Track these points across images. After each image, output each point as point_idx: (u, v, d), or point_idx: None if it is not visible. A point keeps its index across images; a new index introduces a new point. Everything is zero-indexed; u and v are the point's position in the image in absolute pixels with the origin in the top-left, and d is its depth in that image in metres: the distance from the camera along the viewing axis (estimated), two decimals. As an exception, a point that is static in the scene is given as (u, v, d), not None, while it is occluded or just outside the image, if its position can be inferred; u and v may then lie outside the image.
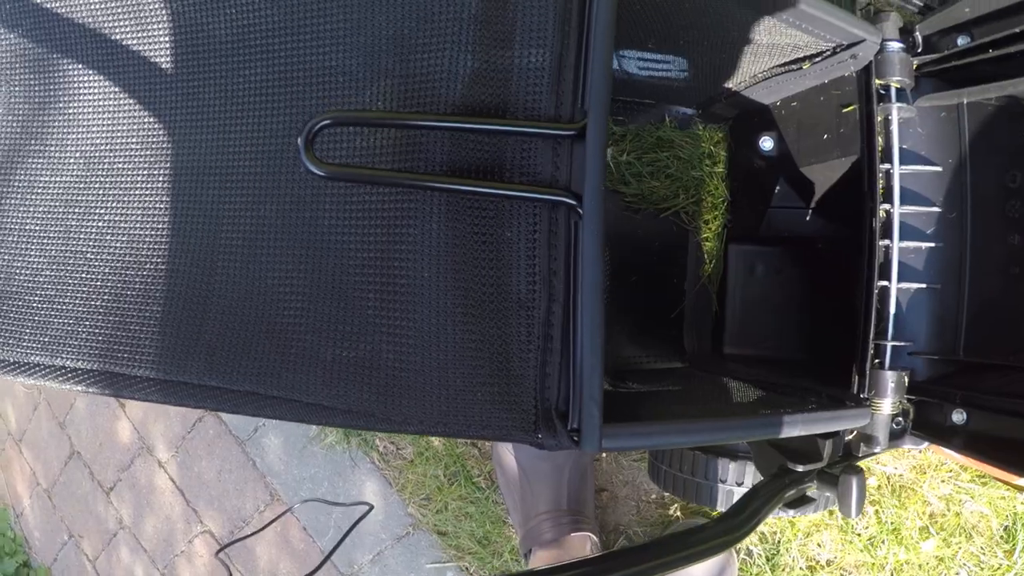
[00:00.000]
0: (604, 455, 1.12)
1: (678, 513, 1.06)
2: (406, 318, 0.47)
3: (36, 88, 0.62)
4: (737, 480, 0.84)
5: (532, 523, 1.04)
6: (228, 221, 0.54)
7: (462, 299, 0.47)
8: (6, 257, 0.62)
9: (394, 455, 1.23)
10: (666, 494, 1.08)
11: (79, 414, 1.64)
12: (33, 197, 0.61)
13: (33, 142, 0.62)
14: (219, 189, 0.54)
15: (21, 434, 1.80)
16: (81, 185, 0.60)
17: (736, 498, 0.84)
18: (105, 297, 0.58)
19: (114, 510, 1.62)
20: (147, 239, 0.57)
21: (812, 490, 0.65)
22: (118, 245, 0.57)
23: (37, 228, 0.61)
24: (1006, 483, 0.73)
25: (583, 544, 1.02)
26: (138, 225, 0.57)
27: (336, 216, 0.49)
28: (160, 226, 0.56)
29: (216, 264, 0.54)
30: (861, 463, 0.66)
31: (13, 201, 0.62)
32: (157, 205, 0.56)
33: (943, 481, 0.90)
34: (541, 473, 1.05)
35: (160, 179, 0.56)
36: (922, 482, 0.91)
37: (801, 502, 0.66)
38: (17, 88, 0.63)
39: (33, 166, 0.61)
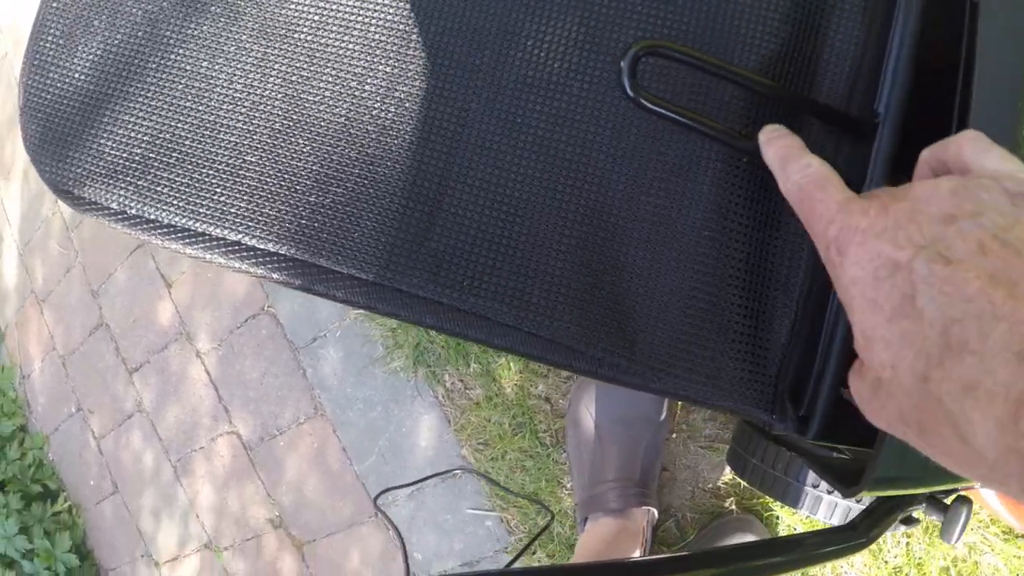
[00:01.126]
0: (674, 435, 1.11)
1: (733, 506, 1.06)
2: (667, 254, 0.46)
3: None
4: (828, 488, 0.84)
5: (599, 488, 1.03)
6: (481, 119, 0.51)
7: (723, 250, 0.46)
8: (197, 102, 0.57)
9: (460, 394, 1.22)
10: (722, 486, 1.09)
11: (117, 285, 1.60)
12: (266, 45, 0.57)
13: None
14: (477, 79, 0.51)
15: (47, 294, 1.76)
16: (305, 29, 0.55)
17: (823, 504, 0.84)
18: (316, 173, 0.54)
19: (135, 391, 1.59)
20: (378, 115, 0.53)
21: (919, 512, 0.66)
22: (343, 114, 0.54)
23: (243, 74, 0.56)
24: None
25: (644, 518, 1.02)
26: (372, 97, 0.53)
27: (613, 140, 0.47)
28: (394, 105, 0.53)
29: (455, 161, 0.51)
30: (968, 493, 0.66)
31: (215, 38, 0.57)
32: (399, 77, 0.53)
33: (972, 529, 0.91)
34: (618, 441, 1.04)
35: (407, 50, 0.53)
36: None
37: (909, 521, 0.67)
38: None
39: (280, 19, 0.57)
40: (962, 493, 0.61)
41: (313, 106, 0.54)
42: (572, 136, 0.48)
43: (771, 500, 1.04)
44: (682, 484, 1.12)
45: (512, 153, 0.50)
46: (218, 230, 0.55)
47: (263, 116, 0.55)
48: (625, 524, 1.01)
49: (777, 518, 1.03)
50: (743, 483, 1.06)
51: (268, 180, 0.55)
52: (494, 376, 1.18)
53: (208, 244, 0.56)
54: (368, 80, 0.53)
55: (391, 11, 0.53)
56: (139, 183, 0.57)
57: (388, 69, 0.53)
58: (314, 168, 0.54)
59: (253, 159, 0.55)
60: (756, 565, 0.48)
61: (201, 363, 1.49)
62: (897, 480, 0.38)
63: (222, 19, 0.57)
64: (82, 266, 1.67)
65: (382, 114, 0.53)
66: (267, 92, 0.55)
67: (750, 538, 1.01)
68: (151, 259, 1.55)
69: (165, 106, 0.57)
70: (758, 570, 0.48)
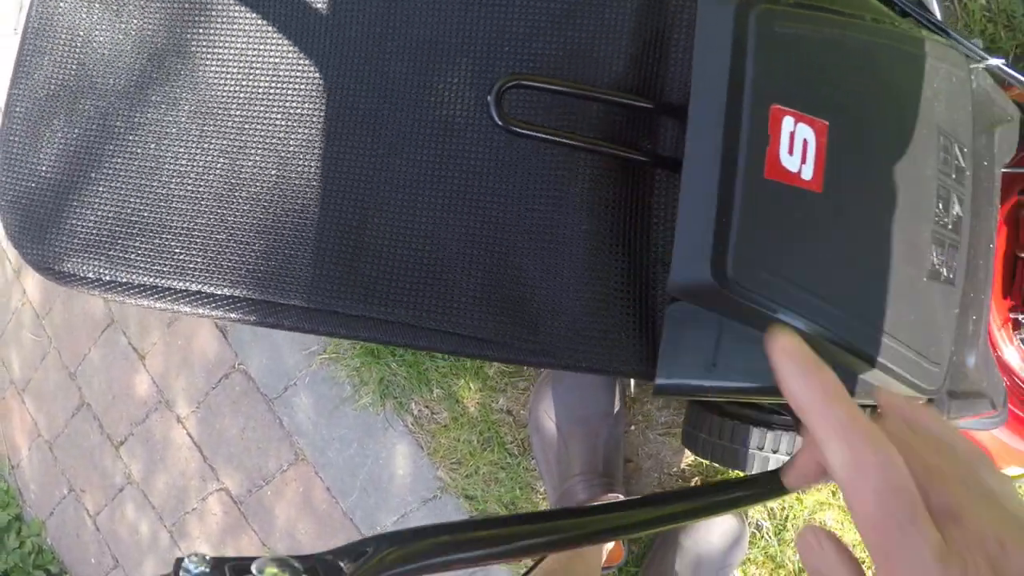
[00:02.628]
0: (633, 427, 1.21)
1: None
2: (555, 258, 0.57)
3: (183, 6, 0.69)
4: (773, 448, 0.94)
5: (567, 484, 1.13)
6: (387, 164, 0.62)
7: (601, 240, 0.57)
8: (150, 180, 0.68)
9: (428, 419, 1.31)
10: (685, 468, 1.18)
11: (92, 365, 1.68)
12: (176, 116, 0.67)
13: (184, 60, 0.68)
14: (382, 130, 0.62)
15: (25, 383, 1.83)
16: (233, 107, 0.66)
17: (771, 463, 0.94)
18: (256, 224, 0.65)
19: (123, 465, 1.66)
20: (303, 171, 0.64)
21: None
22: (273, 174, 0.64)
23: (186, 151, 0.67)
24: None
25: None
26: (296, 156, 0.64)
27: (497, 165, 0.59)
28: (316, 160, 0.64)
29: (370, 202, 0.62)
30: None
31: (158, 123, 0.68)
32: (316, 137, 0.64)
33: None
34: (579, 437, 1.14)
35: (321, 113, 0.64)
36: None
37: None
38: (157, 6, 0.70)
39: (181, 85, 0.68)
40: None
41: (248, 169, 0.65)
42: (463, 167, 0.59)
43: (730, 472, 1.14)
44: (648, 472, 1.22)
45: (415, 188, 0.61)
46: (180, 283, 0.65)
47: (207, 183, 0.66)
48: (592, 514, 1.10)
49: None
50: (704, 462, 1.17)
51: (217, 236, 0.65)
52: (457, 398, 1.28)
53: (174, 297, 0.67)
54: (290, 142, 0.64)
55: (304, 82, 0.64)
56: (109, 253, 0.67)
57: (305, 131, 0.64)
58: (255, 221, 0.64)
59: (202, 220, 0.66)
60: (688, 508, 0.58)
61: (183, 427, 1.57)
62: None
63: (163, 106, 0.68)
64: (57, 351, 1.75)
65: (305, 169, 0.64)
66: (208, 163, 0.66)
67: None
68: (122, 335, 1.64)
69: (123, 186, 0.68)
70: (693, 512, 0.57)
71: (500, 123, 0.51)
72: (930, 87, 0.54)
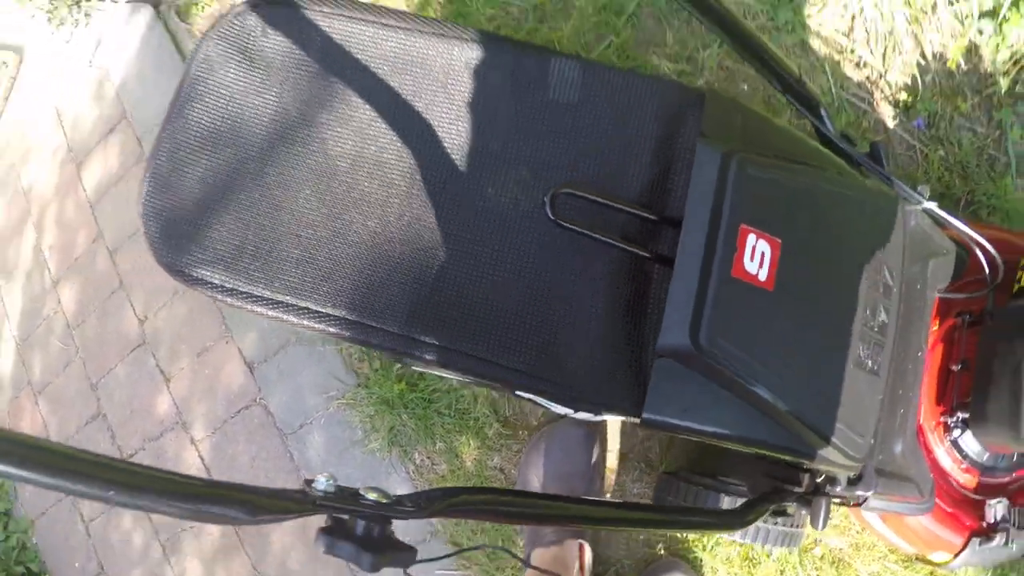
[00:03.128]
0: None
1: (662, 551, 1.35)
2: (579, 317, 0.79)
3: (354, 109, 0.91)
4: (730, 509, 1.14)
5: (540, 528, 1.31)
6: (462, 235, 0.84)
7: (612, 304, 0.80)
8: (271, 216, 0.88)
9: (428, 469, 1.49)
10: (652, 536, 1.37)
11: (117, 379, 1.83)
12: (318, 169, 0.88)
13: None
14: (459, 209, 0.85)
15: (43, 386, 1.96)
16: (343, 171, 0.88)
17: None
18: (357, 262, 0.86)
19: (128, 475, 1.78)
20: (398, 229, 0.86)
21: (791, 508, 0.97)
22: (372, 227, 0.86)
23: (304, 200, 0.88)
24: (921, 559, 1.06)
25: (575, 549, 1.29)
26: (393, 217, 0.86)
27: (541, 247, 0.81)
28: (409, 223, 0.86)
29: (448, 260, 0.84)
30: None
31: (284, 174, 0.89)
32: (411, 206, 0.86)
33: (874, 560, 1.22)
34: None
35: (418, 188, 0.86)
36: (857, 557, 1.22)
37: (782, 513, 0.98)
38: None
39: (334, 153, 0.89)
40: (819, 485, 0.90)
41: (353, 222, 0.86)
42: (517, 243, 0.83)
43: (692, 542, 1.33)
44: (618, 538, 1.40)
45: (481, 254, 0.83)
46: (292, 299, 0.85)
47: (316, 226, 0.86)
48: (559, 552, 1.28)
49: (700, 560, 1.32)
50: (668, 532, 1.35)
51: (324, 266, 0.86)
52: (457, 452, 1.46)
53: (284, 309, 0.86)
54: (388, 207, 0.86)
55: (403, 162, 0.87)
56: (234, 267, 0.87)
57: (400, 201, 0.86)
58: (357, 260, 0.85)
59: (312, 253, 0.86)
60: (653, 518, 0.78)
61: (195, 449, 1.71)
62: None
63: (289, 161, 0.90)
64: (82, 361, 1.89)
65: (402, 229, 0.86)
66: (318, 211, 0.87)
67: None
68: (151, 356, 1.79)
69: (250, 217, 0.88)
70: (659, 523, 0.77)
71: (552, 218, 0.74)
72: (867, 221, 0.78)
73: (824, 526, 0.86)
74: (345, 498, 0.56)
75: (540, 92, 0.85)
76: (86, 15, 2.12)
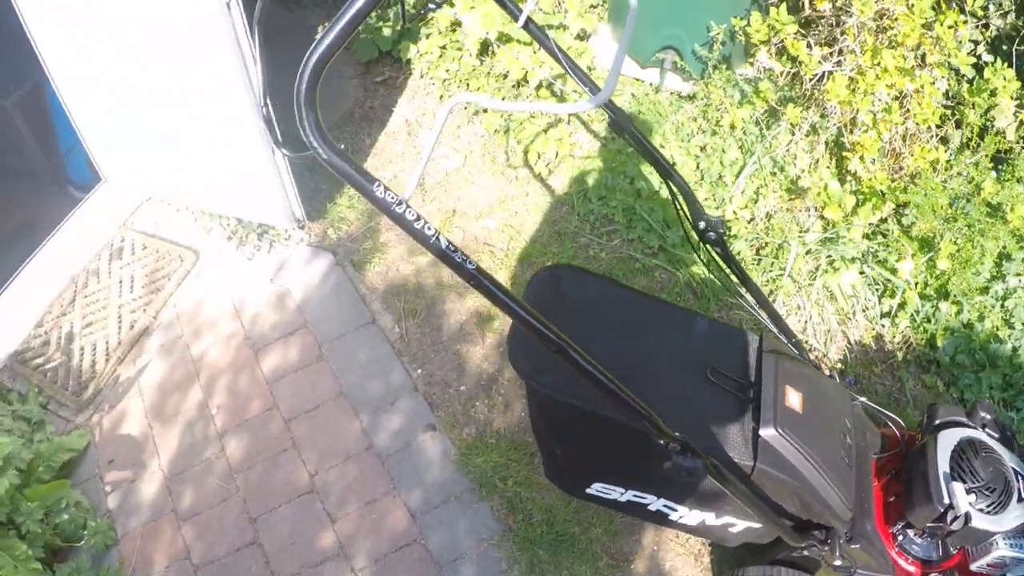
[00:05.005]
0: None
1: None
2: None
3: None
4: None
5: None
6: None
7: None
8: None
9: (555, 594, 2.26)
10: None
11: (280, 515, 2.38)
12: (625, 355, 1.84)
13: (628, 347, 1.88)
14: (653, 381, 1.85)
15: (191, 515, 2.40)
16: (623, 346, 1.86)
17: None
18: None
19: (280, 598, 2.27)
20: (637, 382, 1.81)
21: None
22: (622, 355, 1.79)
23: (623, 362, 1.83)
24: None
25: None
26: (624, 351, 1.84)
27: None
28: (640, 380, 1.77)
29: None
30: None
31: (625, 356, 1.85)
32: (635, 355, 1.85)
33: None
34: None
35: (645, 368, 1.84)
36: None
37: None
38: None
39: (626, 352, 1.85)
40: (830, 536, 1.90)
41: (627, 377, 1.78)
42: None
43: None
44: None
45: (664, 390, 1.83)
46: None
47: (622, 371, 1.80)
48: None
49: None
50: None
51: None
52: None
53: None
54: (636, 375, 1.79)
55: (640, 361, 1.87)
56: (554, 376, 1.75)
57: (637, 371, 1.85)
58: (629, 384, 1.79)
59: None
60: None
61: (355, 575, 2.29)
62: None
63: (608, 352, 1.84)
64: (243, 499, 2.41)
65: (638, 382, 1.79)
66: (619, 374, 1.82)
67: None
68: (319, 502, 2.39)
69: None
70: None
71: (713, 380, 1.81)
72: (838, 395, 1.92)
73: (841, 553, 1.84)
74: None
75: (696, 327, 1.93)
76: (270, 244, 2.92)
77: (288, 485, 2.43)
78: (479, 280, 1.15)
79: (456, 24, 3.52)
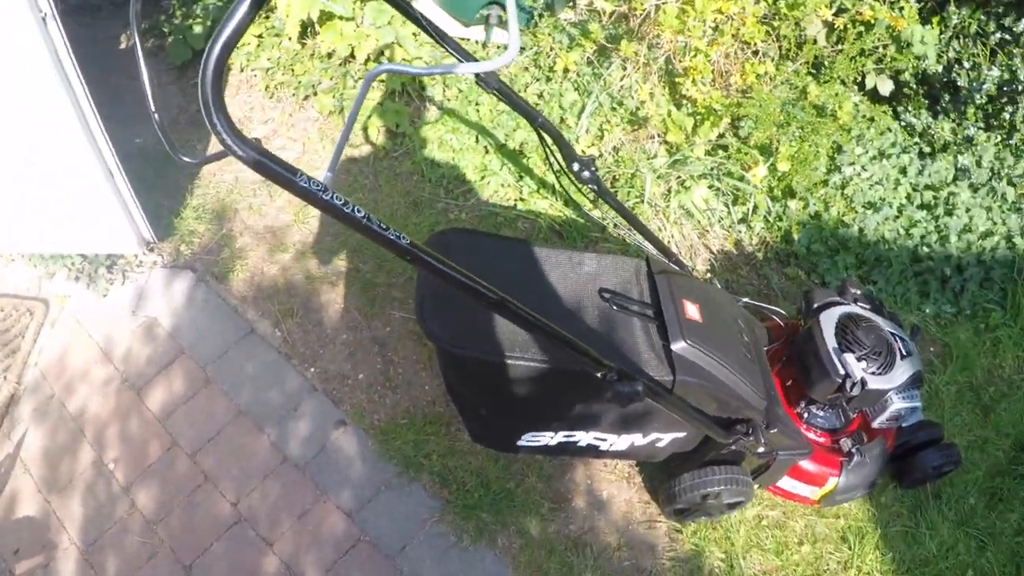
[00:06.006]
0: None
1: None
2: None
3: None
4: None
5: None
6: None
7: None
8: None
9: (508, 547, 2.32)
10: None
11: (214, 555, 2.27)
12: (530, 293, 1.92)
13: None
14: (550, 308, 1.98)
15: (119, 587, 2.23)
16: (533, 295, 1.95)
17: None
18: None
19: (234, 636, 2.18)
20: (543, 310, 1.89)
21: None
22: (538, 308, 1.86)
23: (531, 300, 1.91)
24: (825, 497, 2.32)
25: None
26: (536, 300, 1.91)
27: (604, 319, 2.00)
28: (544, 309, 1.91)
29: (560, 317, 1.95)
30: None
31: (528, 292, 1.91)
32: (544, 300, 1.91)
33: (800, 517, 2.44)
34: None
35: (550, 305, 1.94)
36: (789, 519, 2.43)
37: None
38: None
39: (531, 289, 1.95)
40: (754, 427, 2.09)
41: (537, 307, 1.90)
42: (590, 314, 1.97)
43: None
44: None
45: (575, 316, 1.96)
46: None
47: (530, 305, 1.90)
48: None
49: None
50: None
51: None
52: (524, 529, 2.33)
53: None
54: (544, 307, 1.92)
55: (543, 298, 1.95)
56: (474, 338, 1.82)
57: (541, 305, 1.94)
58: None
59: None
60: None
61: (308, 592, 2.23)
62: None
63: (510, 286, 1.90)
64: (170, 549, 2.26)
65: (543, 310, 1.90)
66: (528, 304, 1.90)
67: None
68: (250, 530, 2.30)
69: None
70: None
71: (611, 307, 1.94)
72: (726, 302, 2.12)
73: (764, 440, 2.04)
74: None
75: (585, 265, 2.03)
76: (123, 274, 2.69)
77: (213, 521, 2.31)
78: (415, 253, 1.16)
79: (271, 10, 3.35)
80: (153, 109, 1.31)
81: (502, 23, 3.37)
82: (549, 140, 2.03)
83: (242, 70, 3.49)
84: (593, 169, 2.07)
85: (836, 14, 2.86)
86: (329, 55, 3.37)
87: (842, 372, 1.91)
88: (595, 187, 2.09)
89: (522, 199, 3.06)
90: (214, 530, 2.30)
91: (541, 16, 3.28)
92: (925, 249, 2.85)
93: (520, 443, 2.07)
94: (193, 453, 2.41)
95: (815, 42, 2.92)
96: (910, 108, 3.20)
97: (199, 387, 2.52)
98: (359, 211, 1.08)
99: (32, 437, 2.49)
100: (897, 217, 2.90)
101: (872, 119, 3.17)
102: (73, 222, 2.61)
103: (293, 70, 3.42)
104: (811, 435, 2.19)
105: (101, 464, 2.41)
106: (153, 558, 2.27)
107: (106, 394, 2.53)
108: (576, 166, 2.05)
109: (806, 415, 2.18)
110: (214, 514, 2.32)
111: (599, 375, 1.58)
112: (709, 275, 2.88)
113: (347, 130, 1.23)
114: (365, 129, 3.26)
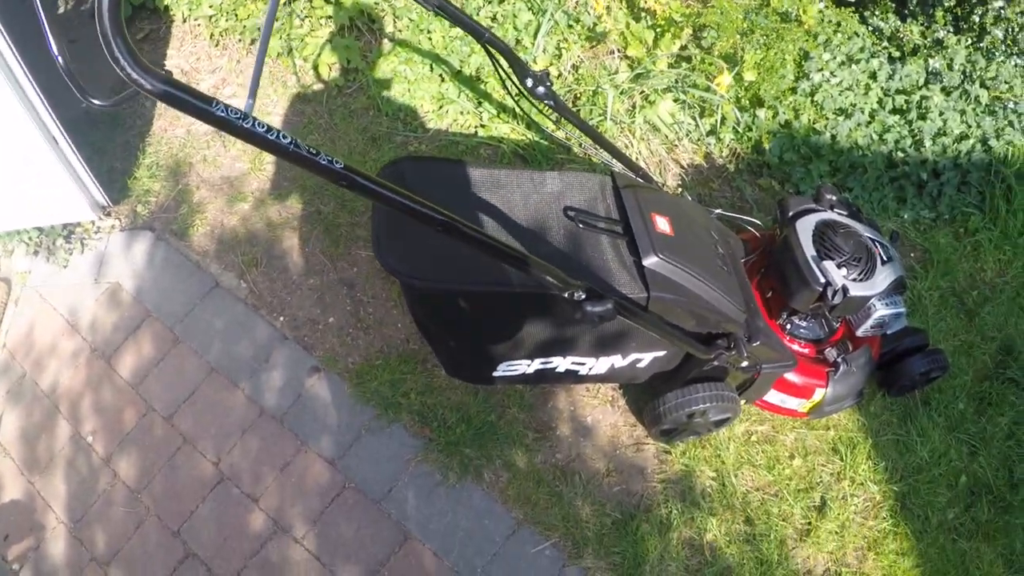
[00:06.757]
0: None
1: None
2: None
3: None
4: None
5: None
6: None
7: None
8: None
9: (495, 482, 2.30)
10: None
11: (200, 519, 2.23)
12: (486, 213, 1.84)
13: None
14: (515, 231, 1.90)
15: (112, 555, 2.21)
16: (494, 217, 1.88)
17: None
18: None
19: (230, 594, 2.17)
20: (501, 231, 1.84)
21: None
22: (491, 229, 1.76)
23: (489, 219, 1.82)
24: (813, 409, 2.28)
25: None
26: (497, 223, 1.86)
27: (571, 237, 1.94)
28: (503, 230, 1.85)
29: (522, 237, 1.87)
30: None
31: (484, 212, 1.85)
32: (506, 223, 1.87)
33: (790, 431, 2.42)
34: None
35: (509, 224, 1.89)
36: (778, 433, 2.41)
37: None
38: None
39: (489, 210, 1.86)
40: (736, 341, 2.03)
41: (493, 231, 1.80)
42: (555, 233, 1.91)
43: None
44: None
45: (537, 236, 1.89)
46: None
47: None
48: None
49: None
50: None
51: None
52: (511, 461, 2.31)
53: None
54: (501, 228, 1.87)
55: (502, 218, 1.89)
56: (433, 268, 1.75)
57: (501, 225, 1.88)
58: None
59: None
60: None
61: (301, 546, 2.21)
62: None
63: (467, 211, 1.85)
64: (156, 516, 2.24)
65: (502, 231, 1.86)
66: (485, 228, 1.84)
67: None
68: (234, 487, 2.26)
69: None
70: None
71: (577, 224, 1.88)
72: (699, 215, 2.05)
73: (747, 353, 2.00)
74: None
75: (548, 185, 1.96)
76: (81, 243, 2.60)
77: (196, 483, 2.28)
78: (351, 178, 1.09)
79: (205, -48, 3.16)
80: (56, 52, 1.21)
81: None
82: (502, 61, 1.93)
83: (184, 20, 3.32)
84: (548, 84, 1.97)
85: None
86: (273, -5, 3.20)
87: (822, 280, 1.86)
88: (551, 103, 1.99)
89: (483, 125, 2.95)
90: (198, 492, 2.27)
91: (489, -65, 3.11)
92: (900, 154, 2.77)
93: (496, 374, 2.03)
94: (169, 416, 2.37)
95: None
96: (877, 12, 3.08)
97: (168, 348, 2.46)
98: (284, 137, 1.00)
99: (8, 419, 2.46)
100: (869, 123, 2.82)
101: (839, 24, 3.04)
102: (24, 195, 2.50)
103: (237, 15, 3.25)
104: (795, 347, 2.15)
105: (79, 438, 2.36)
106: (141, 526, 2.24)
107: (76, 366, 2.47)
108: (530, 82, 1.95)
109: (789, 326, 2.14)
110: (196, 475, 2.29)
111: (565, 295, 1.52)
112: (680, 190, 2.81)
113: (262, 49, 1.14)
114: (316, 67, 3.13)
